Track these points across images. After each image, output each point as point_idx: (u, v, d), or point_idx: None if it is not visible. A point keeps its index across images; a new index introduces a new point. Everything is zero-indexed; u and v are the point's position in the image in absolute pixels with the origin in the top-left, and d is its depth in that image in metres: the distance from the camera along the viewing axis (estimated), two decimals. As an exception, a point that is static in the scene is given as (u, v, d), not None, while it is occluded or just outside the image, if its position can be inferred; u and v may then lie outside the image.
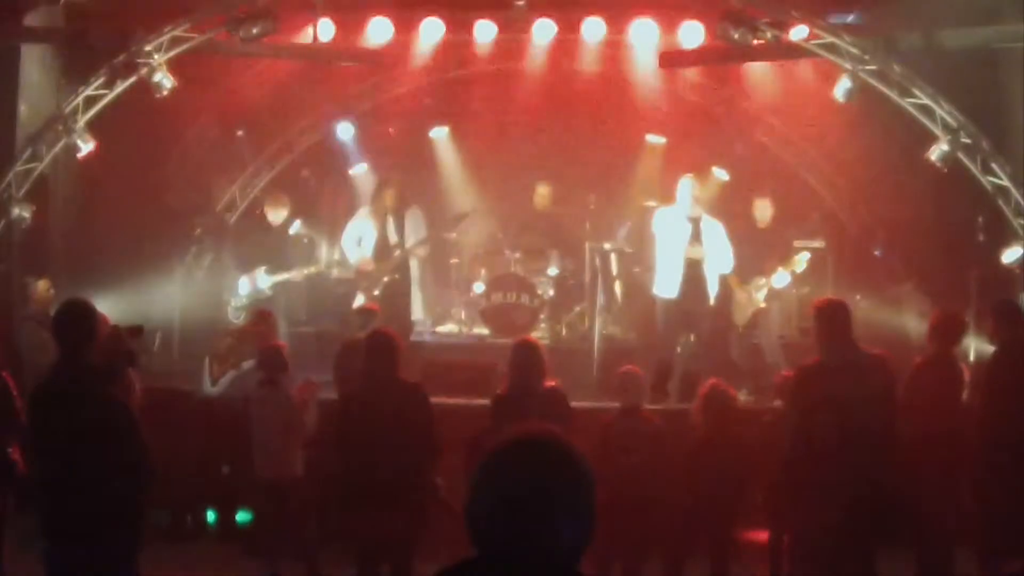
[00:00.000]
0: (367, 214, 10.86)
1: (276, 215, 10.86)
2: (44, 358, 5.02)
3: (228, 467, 8.59)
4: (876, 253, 11.88)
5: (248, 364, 8.42)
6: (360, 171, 13.07)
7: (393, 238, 10.64)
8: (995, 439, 6.91)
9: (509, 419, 6.19)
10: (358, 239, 10.71)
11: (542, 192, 11.85)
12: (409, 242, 10.66)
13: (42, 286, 9.49)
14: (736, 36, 9.84)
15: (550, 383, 6.72)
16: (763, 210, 10.13)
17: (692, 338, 9.68)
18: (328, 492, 7.05)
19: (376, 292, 10.50)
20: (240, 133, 12.63)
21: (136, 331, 5.38)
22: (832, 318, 6.22)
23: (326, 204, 13.29)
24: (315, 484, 7.45)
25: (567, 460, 2.26)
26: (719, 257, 9.25)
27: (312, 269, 10.93)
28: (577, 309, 11.52)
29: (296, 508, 7.42)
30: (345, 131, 13.17)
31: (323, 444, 7.29)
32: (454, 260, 12.04)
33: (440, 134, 13.21)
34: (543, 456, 2.25)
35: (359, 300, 10.50)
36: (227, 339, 8.89)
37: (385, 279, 10.52)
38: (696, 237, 9.13)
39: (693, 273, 9.16)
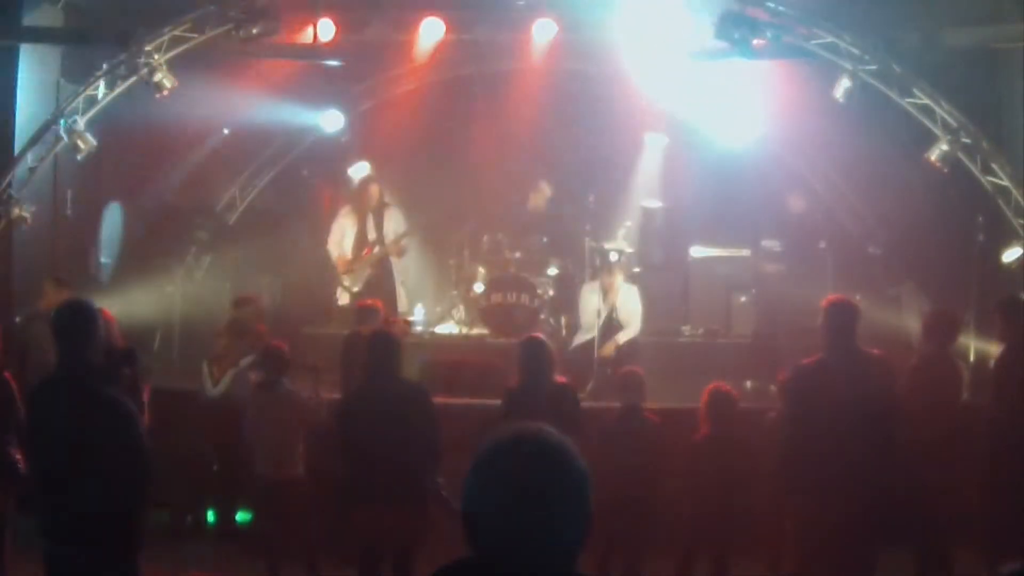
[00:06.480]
0: (348, 212, 11.15)
1: None
2: (51, 357, 5.01)
3: (226, 466, 8.56)
4: (871, 250, 11.89)
5: (246, 360, 8.43)
6: (360, 170, 13.06)
7: (372, 235, 10.88)
8: (1004, 437, 6.88)
9: (520, 413, 6.24)
10: (341, 236, 10.99)
11: (542, 190, 11.88)
12: (388, 240, 10.93)
13: (53, 285, 9.47)
14: (736, 36, 9.83)
15: (560, 379, 6.77)
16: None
17: None
18: (329, 491, 7.05)
19: (356, 288, 10.75)
20: (226, 131, 12.59)
21: (130, 356, 5.29)
22: (841, 317, 6.18)
23: (326, 204, 13.30)
24: (316, 483, 7.45)
25: (562, 458, 2.23)
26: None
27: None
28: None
29: (296, 508, 7.41)
30: (333, 122, 12.81)
31: (324, 443, 7.30)
32: (454, 260, 12.02)
33: (439, 134, 13.19)
34: (538, 455, 2.23)
35: (343, 297, 10.81)
36: (220, 339, 8.86)
37: (364, 275, 10.82)
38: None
39: None
